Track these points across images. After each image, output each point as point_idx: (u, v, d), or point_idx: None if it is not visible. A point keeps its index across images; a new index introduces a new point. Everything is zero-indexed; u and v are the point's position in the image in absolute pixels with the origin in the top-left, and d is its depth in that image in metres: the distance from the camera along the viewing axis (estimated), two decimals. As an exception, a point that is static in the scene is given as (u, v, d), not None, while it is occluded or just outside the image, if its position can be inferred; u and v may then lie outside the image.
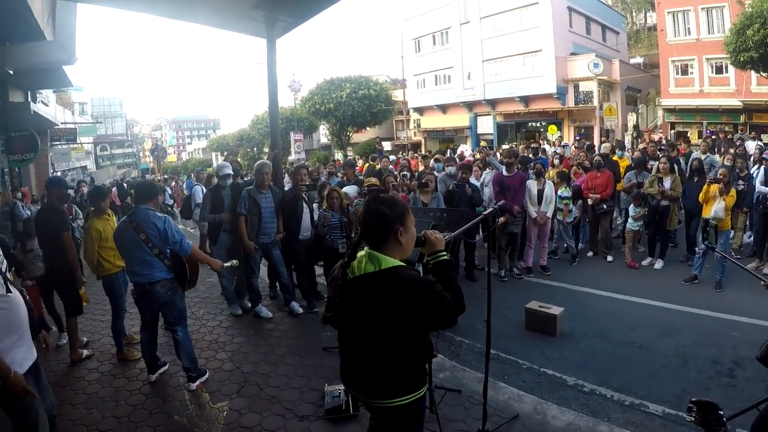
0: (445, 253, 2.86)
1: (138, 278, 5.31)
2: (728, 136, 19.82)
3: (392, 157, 21.18)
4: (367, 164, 18.08)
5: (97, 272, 6.36)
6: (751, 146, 14.36)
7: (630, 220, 9.91)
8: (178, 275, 5.41)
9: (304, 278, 7.97)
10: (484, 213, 3.91)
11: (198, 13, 8.63)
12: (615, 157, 12.77)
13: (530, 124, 37.24)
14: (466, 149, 21.80)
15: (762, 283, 3.28)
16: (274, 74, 8.83)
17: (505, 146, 23.28)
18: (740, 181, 9.52)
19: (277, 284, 8.30)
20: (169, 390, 5.44)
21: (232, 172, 8.19)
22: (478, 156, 15.96)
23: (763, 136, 19.08)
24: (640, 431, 4.54)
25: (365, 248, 2.74)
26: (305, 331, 6.99)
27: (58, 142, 29.18)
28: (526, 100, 35.08)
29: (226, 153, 37.06)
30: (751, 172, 10.21)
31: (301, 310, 7.62)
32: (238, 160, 10.82)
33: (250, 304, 7.86)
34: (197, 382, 5.45)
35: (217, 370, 5.85)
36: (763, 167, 9.68)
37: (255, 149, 48.77)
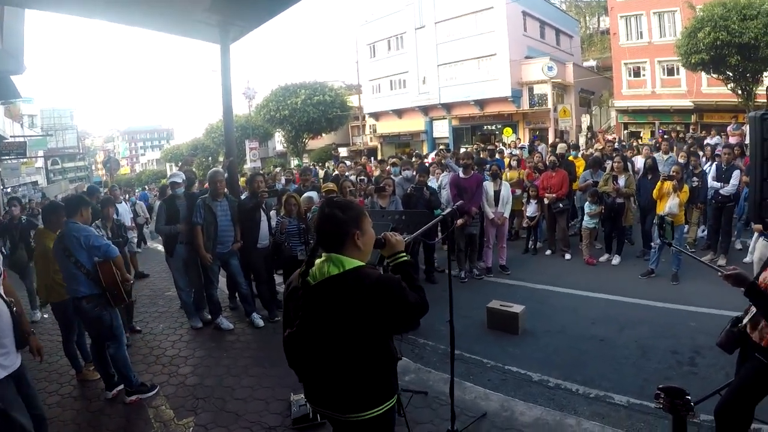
0: (405, 254, 2.84)
1: (70, 293, 5.29)
2: (680, 136, 20.36)
3: (347, 163, 21.18)
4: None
5: (50, 298, 6.12)
6: (714, 141, 14.76)
7: (586, 217, 10.05)
8: (103, 291, 5.29)
9: (263, 287, 7.88)
10: (443, 213, 3.92)
11: (150, 19, 8.46)
12: (570, 157, 12.96)
13: (485, 127, 37.61)
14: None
15: (718, 273, 3.35)
16: (228, 80, 8.71)
17: (464, 149, 23.46)
18: (694, 178, 9.73)
19: (237, 295, 8.20)
20: (132, 409, 5.31)
21: (181, 180, 8.04)
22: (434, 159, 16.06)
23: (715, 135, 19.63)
24: (606, 422, 4.58)
25: (323, 254, 2.66)
26: (267, 341, 6.91)
27: (7, 157, 28.36)
28: (481, 103, 35.35)
29: (180, 163, 36.59)
30: (704, 168, 10.46)
31: (262, 323, 7.52)
32: (194, 169, 10.63)
33: (210, 317, 7.73)
34: (134, 397, 5.39)
35: (180, 386, 5.74)
36: (714, 164, 9.98)
37: (210, 158, 48.15)
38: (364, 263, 2.63)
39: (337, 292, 2.53)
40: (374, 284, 2.50)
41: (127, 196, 21.83)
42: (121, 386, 5.57)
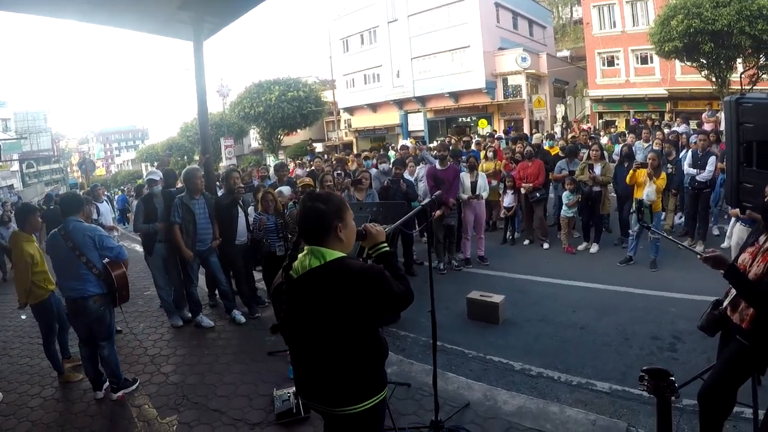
0: (386, 244, 2.84)
1: (71, 293, 5.18)
2: (655, 123, 20.52)
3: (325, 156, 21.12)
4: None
5: (30, 300, 5.90)
6: (682, 129, 14.86)
7: (564, 207, 10.10)
8: (111, 290, 5.29)
9: (243, 284, 7.85)
10: (423, 203, 3.92)
11: (121, 18, 8.34)
12: (546, 147, 13.02)
13: (460, 119, 37.76)
14: (407, 142, 22.05)
15: (698, 256, 3.38)
16: (202, 77, 8.65)
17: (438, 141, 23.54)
18: (668, 165, 9.82)
19: (217, 292, 8.15)
20: (115, 409, 5.25)
21: (158, 179, 7.96)
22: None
23: (690, 122, 19.82)
24: (589, 409, 4.62)
25: (305, 247, 2.66)
26: (248, 338, 6.89)
27: (-19, 161, 27.96)
28: (455, 95, 35.50)
29: (156, 164, 36.19)
30: (680, 156, 10.59)
31: (243, 319, 7.47)
32: (171, 167, 10.60)
33: (190, 315, 7.66)
34: (120, 392, 5.36)
35: (163, 384, 5.68)
36: (690, 150, 10.06)
37: (185, 157, 47.82)
38: (345, 255, 2.62)
39: (319, 283, 2.54)
40: (357, 274, 2.50)
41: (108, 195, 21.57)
42: (107, 384, 5.50)
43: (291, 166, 18.88)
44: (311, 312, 2.59)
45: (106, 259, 5.33)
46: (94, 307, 5.18)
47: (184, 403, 5.19)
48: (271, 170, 13.69)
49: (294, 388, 4.60)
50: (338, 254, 2.58)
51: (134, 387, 5.54)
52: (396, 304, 2.61)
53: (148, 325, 7.82)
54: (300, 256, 2.66)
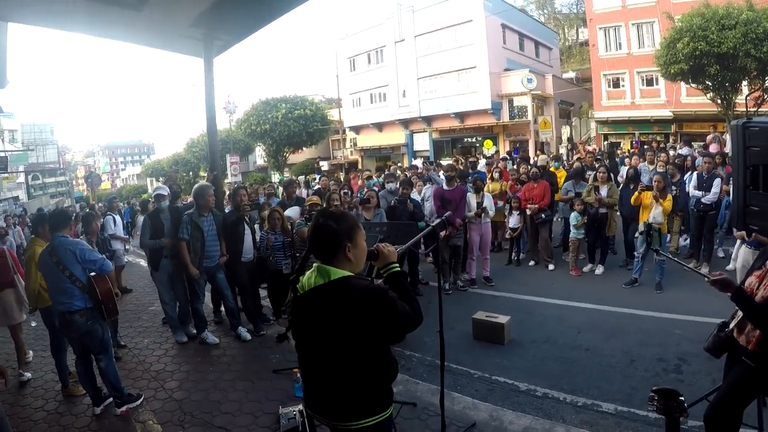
0: (396, 264, 2.85)
1: (60, 307, 5.23)
2: (661, 146, 20.60)
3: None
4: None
5: (38, 303, 6.15)
6: (685, 152, 14.94)
7: (573, 228, 10.12)
8: (97, 304, 5.29)
9: (248, 301, 7.86)
10: (433, 224, 3.94)
11: (134, 34, 8.43)
12: (552, 168, 13.06)
13: (466, 139, 37.75)
14: (419, 162, 22.22)
15: (705, 279, 3.40)
16: (211, 94, 8.73)
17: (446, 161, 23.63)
18: (673, 187, 9.86)
19: (222, 309, 8.15)
20: (119, 424, 5.24)
21: (165, 193, 8.01)
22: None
23: (693, 144, 19.93)
24: (595, 430, 4.63)
25: (314, 263, 2.68)
26: (254, 355, 6.88)
27: (-12, 172, 28.08)
28: (461, 116, 35.50)
29: (162, 179, 36.26)
30: (684, 178, 10.64)
31: (249, 336, 7.47)
32: (177, 183, 10.69)
33: (195, 331, 7.67)
34: (124, 407, 5.37)
35: (167, 400, 5.68)
36: (695, 173, 10.08)
37: (191, 173, 47.97)
38: (351, 273, 2.63)
39: (322, 301, 2.57)
40: (360, 294, 2.50)
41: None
42: (109, 400, 5.52)
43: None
44: (316, 328, 2.61)
45: (93, 273, 5.33)
46: (80, 321, 5.19)
47: (189, 420, 5.17)
48: (280, 188, 13.75)
49: (300, 406, 4.60)
50: (343, 273, 2.59)
51: (138, 402, 5.54)
52: (402, 325, 2.60)
53: (153, 340, 7.83)
54: (308, 272, 2.68)
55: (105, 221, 11.10)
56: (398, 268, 2.85)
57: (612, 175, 11.45)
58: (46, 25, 8.36)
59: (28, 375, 6.53)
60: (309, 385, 2.77)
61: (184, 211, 7.54)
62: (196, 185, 7.79)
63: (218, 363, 6.72)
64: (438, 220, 4.02)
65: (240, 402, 5.48)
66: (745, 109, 18.06)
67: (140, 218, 11.29)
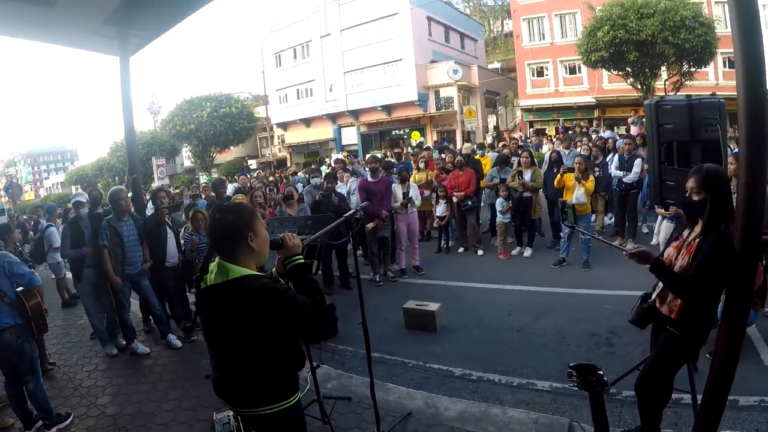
0: (301, 256, 2.85)
1: None
2: (583, 130, 21.24)
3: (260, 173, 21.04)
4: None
5: None
6: (608, 135, 15.43)
7: (498, 214, 10.27)
8: (27, 320, 5.05)
9: (176, 306, 7.69)
10: (346, 215, 3.93)
11: (44, 32, 7.98)
12: (477, 156, 13.25)
13: (394, 131, 37.96)
14: (341, 156, 22.33)
15: (623, 253, 3.45)
16: (128, 93, 8.38)
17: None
18: (596, 168, 10.15)
19: (151, 317, 7.90)
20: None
21: (85, 200, 7.61)
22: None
23: (615, 128, 20.71)
24: (531, 408, 4.68)
25: (217, 259, 2.68)
26: (185, 362, 6.71)
27: None
28: (388, 108, 35.74)
29: (82, 186, 35.22)
30: (606, 159, 11.04)
31: (179, 344, 7.24)
32: (99, 189, 10.35)
33: (125, 342, 7.39)
34: (54, 429, 5.13)
35: (100, 417, 5.44)
36: (617, 154, 10.50)
37: (116, 178, 46.61)
38: (251, 270, 2.64)
39: (221, 299, 2.59)
40: (258, 294, 2.53)
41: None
42: (39, 423, 5.25)
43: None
44: (218, 321, 2.64)
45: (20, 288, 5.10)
46: (10, 339, 4.92)
47: (122, 435, 4.99)
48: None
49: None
50: (243, 272, 2.59)
51: (68, 422, 5.28)
52: (302, 321, 2.64)
53: (82, 355, 7.48)
54: (211, 266, 2.70)
55: (49, 232, 10.79)
56: (302, 260, 2.85)
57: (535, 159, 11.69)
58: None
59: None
60: (216, 372, 2.81)
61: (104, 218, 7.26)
62: (110, 189, 7.53)
63: (150, 373, 6.51)
64: (351, 212, 4.03)
65: (174, 411, 5.34)
66: (664, 94, 18.72)
67: (51, 231, 10.93)
